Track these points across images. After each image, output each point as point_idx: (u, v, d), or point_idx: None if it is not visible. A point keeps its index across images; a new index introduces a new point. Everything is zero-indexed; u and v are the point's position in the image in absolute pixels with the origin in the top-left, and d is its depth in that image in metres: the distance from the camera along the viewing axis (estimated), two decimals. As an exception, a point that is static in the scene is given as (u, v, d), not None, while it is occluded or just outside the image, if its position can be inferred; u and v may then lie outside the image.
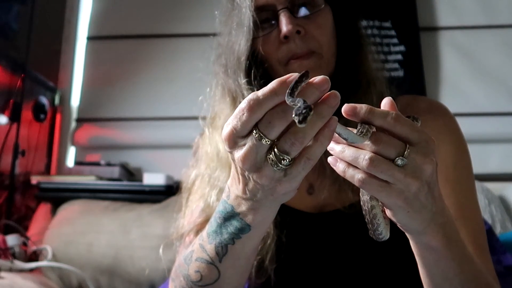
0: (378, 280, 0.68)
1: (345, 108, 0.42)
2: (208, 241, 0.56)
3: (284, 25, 0.66)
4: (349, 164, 0.42)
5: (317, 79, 0.40)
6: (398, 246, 0.55)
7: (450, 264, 0.49)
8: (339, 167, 0.43)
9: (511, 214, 1.66)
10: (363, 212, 0.48)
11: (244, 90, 0.70)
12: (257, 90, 0.68)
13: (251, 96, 0.40)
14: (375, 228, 0.47)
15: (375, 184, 0.41)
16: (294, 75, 0.40)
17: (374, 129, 0.42)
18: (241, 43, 0.69)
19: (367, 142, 0.41)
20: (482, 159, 1.89)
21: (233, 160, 0.44)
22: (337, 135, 0.43)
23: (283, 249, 0.68)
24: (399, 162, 0.41)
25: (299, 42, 0.67)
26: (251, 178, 0.44)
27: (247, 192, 0.46)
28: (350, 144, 0.42)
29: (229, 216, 0.51)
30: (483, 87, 2.01)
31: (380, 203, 0.47)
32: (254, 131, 0.40)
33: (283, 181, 0.43)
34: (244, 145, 0.41)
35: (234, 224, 0.51)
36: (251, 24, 0.67)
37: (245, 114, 0.40)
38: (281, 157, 0.41)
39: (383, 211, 0.47)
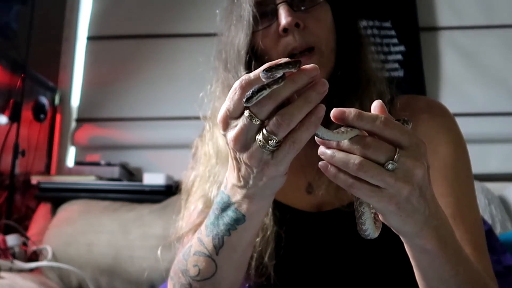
0: (376, 278, 0.68)
1: (333, 112, 0.42)
2: (206, 234, 0.57)
3: (283, 18, 0.66)
4: (340, 169, 0.42)
5: (307, 66, 0.42)
6: (397, 245, 0.55)
7: (445, 266, 0.49)
8: (330, 172, 0.43)
9: (511, 214, 1.66)
10: (354, 209, 0.48)
11: None
12: None
13: (244, 77, 0.43)
14: (361, 226, 0.47)
15: (365, 189, 0.41)
16: (284, 60, 0.43)
17: (357, 130, 0.42)
18: (241, 37, 0.70)
19: (356, 146, 0.41)
20: (482, 159, 1.89)
21: (227, 143, 0.46)
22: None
23: (282, 247, 0.68)
24: (389, 166, 0.41)
25: (298, 36, 0.67)
26: (242, 161, 0.46)
27: (241, 179, 0.48)
28: (339, 148, 0.42)
29: (226, 206, 0.53)
30: (483, 87, 2.01)
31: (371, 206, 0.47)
32: (246, 111, 0.43)
33: (271, 164, 0.44)
34: (236, 126, 0.44)
35: (230, 214, 0.53)
36: (251, 18, 0.68)
37: (237, 93, 0.43)
38: (269, 138, 0.43)
39: (376, 214, 0.47)
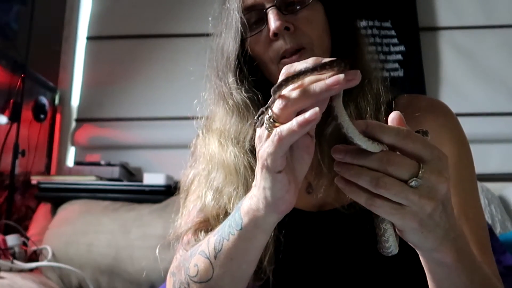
0: (377, 281, 0.68)
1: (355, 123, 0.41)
2: (214, 233, 0.57)
3: (272, 22, 0.65)
4: (359, 186, 0.41)
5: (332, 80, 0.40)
6: (401, 249, 0.55)
7: (461, 277, 0.48)
8: (349, 189, 0.42)
9: (511, 214, 1.66)
10: (375, 226, 0.46)
11: (233, 89, 0.70)
12: (246, 89, 0.69)
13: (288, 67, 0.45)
14: (384, 243, 0.46)
15: (387, 207, 0.40)
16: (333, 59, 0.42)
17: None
18: (230, 44, 0.70)
19: (378, 162, 0.40)
20: (482, 159, 1.89)
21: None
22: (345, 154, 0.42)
23: (282, 249, 0.68)
24: (413, 183, 0.39)
25: (288, 38, 0.66)
26: (257, 150, 0.46)
27: (256, 175, 0.48)
28: (358, 163, 0.40)
29: (239, 206, 0.53)
30: (483, 87, 2.01)
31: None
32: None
33: (266, 151, 0.44)
34: None
35: (236, 215, 0.53)
36: (239, 25, 0.68)
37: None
38: (270, 117, 0.43)
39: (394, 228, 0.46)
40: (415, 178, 0.39)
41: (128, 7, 2.22)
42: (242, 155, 0.69)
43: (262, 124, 0.44)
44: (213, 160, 0.72)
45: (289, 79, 0.42)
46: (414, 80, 2.01)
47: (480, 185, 1.64)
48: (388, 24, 2.07)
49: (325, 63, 0.41)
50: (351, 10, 0.75)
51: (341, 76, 0.39)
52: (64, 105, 2.16)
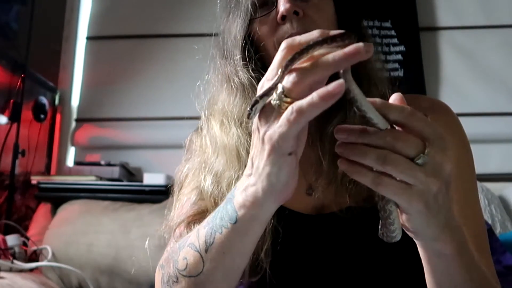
0: (375, 282, 0.68)
1: None
2: (204, 225, 0.54)
3: (282, 5, 0.64)
4: (363, 165, 0.40)
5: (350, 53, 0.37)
6: (397, 250, 0.55)
7: (460, 272, 0.47)
8: (353, 169, 0.41)
9: (511, 214, 1.66)
10: (379, 209, 0.45)
11: (238, 67, 0.69)
12: (252, 68, 0.68)
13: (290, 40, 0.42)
14: (389, 226, 0.44)
15: (394, 186, 0.39)
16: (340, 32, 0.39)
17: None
18: (238, 23, 0.69)
19: (384, 139, 0.39)
20: (482, 159, 1.89)
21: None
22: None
23: (279, 243, 0.67)
24: (420, 160, 0.38)
25: (296, 23, 0.64)
26: (257, 130, 0.43)
27: (251, 161, 0.45)
28: (363, 142, 0.39)
29: (230, 198, 0.50)
30: (483, 87, 2.01)
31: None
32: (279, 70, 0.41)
33: (275, 131, 0.40)
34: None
35: (228, 208, 0.50)
36: (249, 4, 0.67)
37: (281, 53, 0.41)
38: (282, 92, 0.39)
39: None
40: (422, 155, 0.39)
41: (128, 7, 2.22)
42: (245, 136, 0.67)
43: (257, 114, 0.41)
44: (215, 144, 0.70)
45: (297, 55, 0.39)
46: (414, 80, 2.01)
47: (480, 185, 1.64)
48: (388, 24, 2.07)
49: (335, 36, 0.39)
50: (359, 9, 0.75)
51: (361, 44, 0.36)
52: (64, 105, 2.16)
